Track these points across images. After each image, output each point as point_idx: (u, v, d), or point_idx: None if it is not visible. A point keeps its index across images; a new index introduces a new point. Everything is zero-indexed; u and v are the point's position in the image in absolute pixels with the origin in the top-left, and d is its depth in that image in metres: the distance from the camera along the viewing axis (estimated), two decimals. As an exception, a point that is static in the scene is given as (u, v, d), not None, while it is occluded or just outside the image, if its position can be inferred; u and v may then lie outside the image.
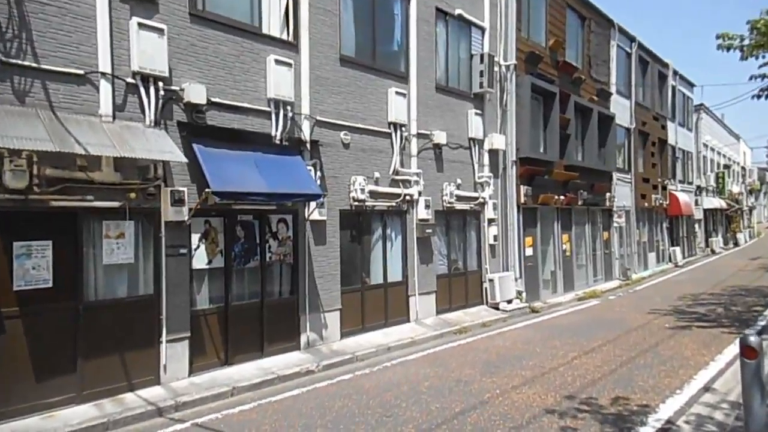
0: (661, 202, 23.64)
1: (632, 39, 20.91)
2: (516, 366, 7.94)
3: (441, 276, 11.98)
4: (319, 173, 9.15)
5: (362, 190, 9.87)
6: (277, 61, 8.48)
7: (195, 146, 7.43)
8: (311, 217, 9.08)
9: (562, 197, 15.53)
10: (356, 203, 9.89)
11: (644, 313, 12.25)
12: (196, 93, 7.41)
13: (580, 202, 16.50)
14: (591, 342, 9.39)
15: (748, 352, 3.98)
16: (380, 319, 10.45)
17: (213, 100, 7.74)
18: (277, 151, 8.50)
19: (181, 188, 7.25)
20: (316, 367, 8.24)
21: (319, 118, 9.28)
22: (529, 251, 14.34)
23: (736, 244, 38.43)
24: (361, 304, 10.13)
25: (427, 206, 11.25)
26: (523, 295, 13.56)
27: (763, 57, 10.02)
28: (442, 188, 11.88)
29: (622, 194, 19.99)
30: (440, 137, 11.63)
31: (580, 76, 16.61)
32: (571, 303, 14.53)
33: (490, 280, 12.89)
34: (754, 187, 53.79)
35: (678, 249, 25.43)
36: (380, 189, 10.36)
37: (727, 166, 38.88)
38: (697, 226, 30.65)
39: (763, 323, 10.59)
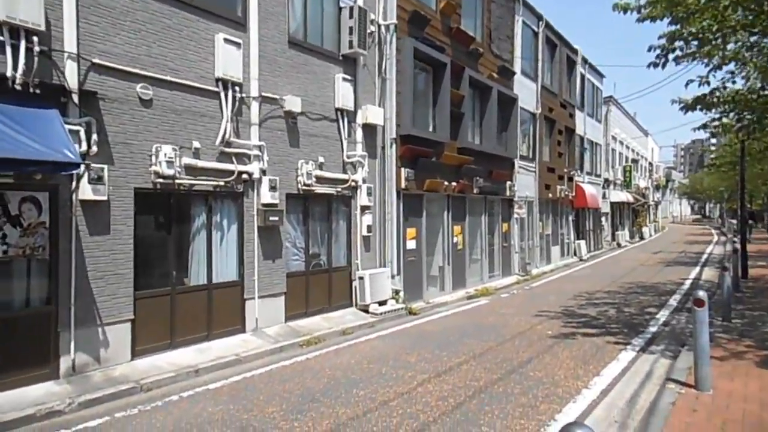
0: (567, 193, 22.74)
1: (539, 17, 19.58)
2: (339, 398, 5.93)
3: (295, 274, 9.84)
4: (95, 136, 6.71)
5: (170, 164, 7.51)
6: (15, -28, 5.93)
7: None
8: (83, 197, 6.63)
9: (453, 184, 13.81)
10: (162, 180, 7.51)
11: (531, 315, 10.72)
12: None
13: (475, 190, 14.87)
14: (453, 357, 7.58)
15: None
16: (200, 331, 8.16)
17: None
18: (14, 100, 5.97)
19: None
20: (67, 406, 5.86)
21: (97, 60, 6.80)
22: (411, 244, 12.48)
23: (641, 237, 39.12)
24: (171, 311, 7.78)
25: (273, 188, 9.05)
26: (401, 294, 11.68)
27: (660, 20, 8.59)
28: (297, 167, 9.70)
29: (525, 183, 18.69)
30: (294, 103, 9.44)
31: (477, 48, 14.88)
32: (459, 302, 12.86)
33: (360, 278, 10.90)
34: (661, 183, 55.88)
35: (583, 242, 24.78)
36: (201, 164, 8.04)
37: (635, 161, 39.43)
38: (603, 219, 30.45)
39: (654, 329, 9.27)
